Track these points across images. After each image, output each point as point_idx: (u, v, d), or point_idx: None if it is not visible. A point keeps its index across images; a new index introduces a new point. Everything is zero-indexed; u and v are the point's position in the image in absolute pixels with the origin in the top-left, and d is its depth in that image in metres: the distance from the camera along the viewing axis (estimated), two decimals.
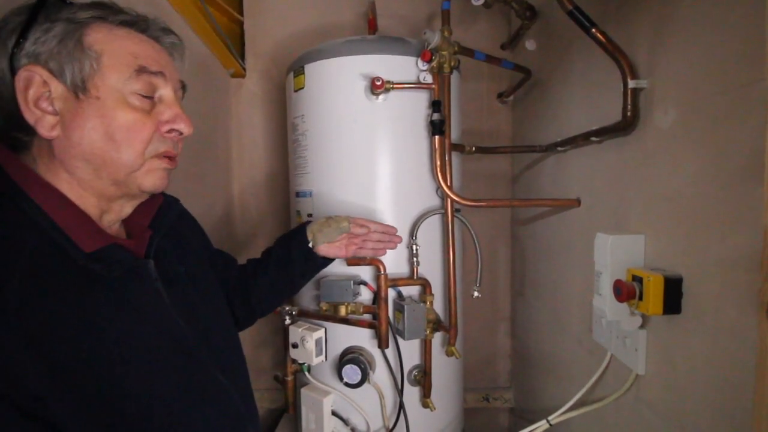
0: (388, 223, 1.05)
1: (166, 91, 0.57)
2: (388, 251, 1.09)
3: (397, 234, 1.03)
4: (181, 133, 0.58)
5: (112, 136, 0.52)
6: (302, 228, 0.95)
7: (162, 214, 0.66)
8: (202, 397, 0.59)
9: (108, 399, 0.49)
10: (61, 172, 0.53)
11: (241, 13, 1.57)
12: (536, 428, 1.04)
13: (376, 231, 0.99)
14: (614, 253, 0.81)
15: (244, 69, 1.60)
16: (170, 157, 0.59)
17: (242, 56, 1.59)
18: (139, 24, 0.55)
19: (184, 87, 0.62)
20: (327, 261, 0.97)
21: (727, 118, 0.62)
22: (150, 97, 0.55)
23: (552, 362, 1.28)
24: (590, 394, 0.98)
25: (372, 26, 1.40)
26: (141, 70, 0.53)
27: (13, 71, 0.49)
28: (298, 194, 1.20)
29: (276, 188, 1.64)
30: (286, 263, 0.93)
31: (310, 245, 0.93)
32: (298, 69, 1.15)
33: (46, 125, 0.50)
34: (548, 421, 1.03)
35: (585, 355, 1.04)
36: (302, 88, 1.14)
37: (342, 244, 0.95)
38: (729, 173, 0.62)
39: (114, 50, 0.52)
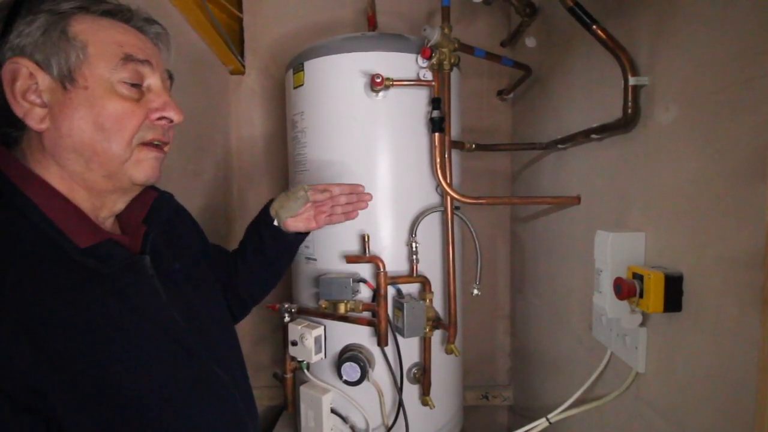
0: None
1: (153, 80, 0.57)
2: (387, 251, 1.09)
3: (366, 192, 0.97)
4: (171, 121, 0.58)
5: (101, 126, 0.52)
6: (265, 208, 0.91)
7: (156, 209, 0.66)
8: (200, 391, 0.59)
9: (105, 393, 0.49)
10: (52, 165, 0.52)
11: (241, 10, 1.57)
12: (535, 426, 1.04)
13: (342, 193, 0.93)
14: (615, 251, 0.80)
15: (244, 66, 1.59)
16: (158, 146, 0.58)
17: (241, 53, 1.59)
18: (122, 14, 0.55)
19: (171, 77, 0.62)
20: (300, 236, 0.93)
21: (728, 114, 0.62)
22: (138, 86, 0.55)
23: (551, 360, 1.28)
24: (590, 392, 0.98)
25: (371, 23, 1.39)
26: (127, 59, 0.53)
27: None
28: None
29: (275, 185, 1.63)
30: (260, 247, 0.90)
31: (275, 223, 0.89)
32: (297, 66, 1.15)
33: (35, 117, 0.50)
34: (548, 419, 1.03)
35: (585, 353, 1.04)
36: (302, 85, 1.14)
37: (309, 215, 0.91)
38: (730, 170, 0.62)
39: (99, 40, 0.52)
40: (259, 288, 0.94)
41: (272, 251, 0.90)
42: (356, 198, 0.96)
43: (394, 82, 1.04)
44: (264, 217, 0.90)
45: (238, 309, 0.91)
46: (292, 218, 0.89)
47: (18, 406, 0.43)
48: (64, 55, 0.50)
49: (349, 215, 0.96)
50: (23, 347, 0.43)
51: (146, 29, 0.58)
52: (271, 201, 0.91)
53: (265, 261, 0.91)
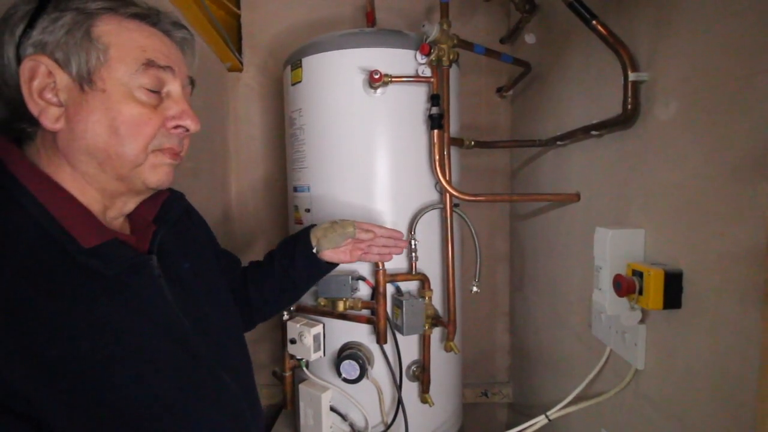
0: (391, 226, 1.02)
1: (173, 87, 0.56)
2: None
3: (403, 239, 0.99)
4: (187, 130, 0.57)
5: (116, 130, 0.51)
6: (306, 232, 0.92)
7: (166, 208, 0.65)
8: (205, 396, 0.58)
9: (105, 399, 0.47)
10: (64, 165, 0.52)
11: (238, 6, 1.56)
12: (535, 423, 1.04)
13: (382, 236, 0.95)
14: (614, 248, 0.80)
15: (242, 63, 1.58)
16: (174, 153, 0.58)
17: (239, 50, 1.58)
18: (150, 17, 0.54)
19: (192, 83, 0.61)
20: (331, 266, 0.94)
21: (729, 110, 0.62)
22: (157, 92, 0.54)
23: (551, 357, 1.28)
24: (589, 389, 0.97)
25: (370, 19, 1.39)
26: (149, 64, 0.52)
27: (20, 60, 0.48)
28: (295, 189, 1.19)
29: (274, 183, 1.63)
30: (290, 268, 0.90)
31: (315, 251, 0.90)
32: (295, 62, 1.14)
33: (50, 117, 0.49)
34: (547, 416, 1.02)
35: (584, 350, 1.04)
36: (300, 81, 1.13)
37: (347, 249, 0.92)
38: (731, 166, 0.61)
39: (122, 43, 0.51)
40: (276, 305, 0.94)
41: (302, 275, 0.91)
42: (393, 243, 0.97)
43: (393, 79, 1.03)
44: (303, 241, 0.91)
45: (245, 321, 0.89)
46: (331, 249, 0.90)
47: (11, 413, 0.41)
48: (85, 55, 0.49)
49: (383, 257, 0.98)
50: (13, 352, 0.42)
51: (172, 33, 0.57)
52: (311, 227, 0.92)
53: (291, 282, 0.91)
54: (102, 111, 0.50)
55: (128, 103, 0.51)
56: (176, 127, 0.56)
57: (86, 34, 0.49)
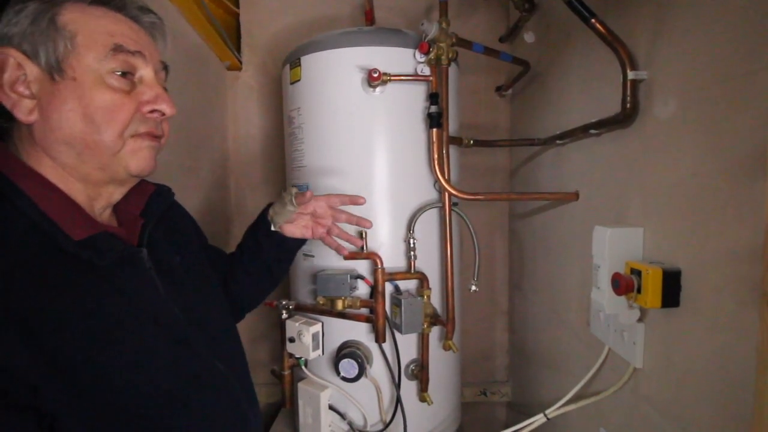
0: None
1: (146, 72, 0.55)
2: (384, 247, 1.09)
3: (367, 220, 0.93)
4: (163, 114, 0.57)
5: (91, 118, 0.51)
6: (264, 211, 0.88)
7: (153, 202, 0.65)
8: (200, 385, 0.59)
9: (103, 388, 0.48)
10: (43, 158, 0.52)
11: (237, 5, 1.56)
12: (533, 422, 1.04)
13: (333, 205, 0.89)
14: (613, 246, 0.80)
15: (240, 61, 1.58)
16: (154, 136, 0.57)
17: (238, 49, 1.58)
18: (114, 2, 0.54)
19: (166, 68, 0.61)
20: (299, 242, 0.89)
21: (728, 108, 0.62)
22: (129, 78, 0.54)
23: (549, 356, 1.28)
24: (588, 388, 0.98)
25: (369, 18, 1.39)
26: (117, 50, 0.52)
27: None
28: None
29: (272, 182, 1.63)
30: (256, 251, 0.87)
31: (273, 228, 0.86)
32: (294, 61, 1.14)
33: (23, 109, 0.49)
34: (545, 415, 1.03)
35: (583, 349, 1.04)
36: (298, 80, 1.13)
37: (307, 223, 0.87)
38: (730, 165, 0.61)
39: (89, 30, 0.51)
40: (255, 293, 0.92)
41: (270, 255, 0.88)
42: (356, 221, 0.92)
43: (392, 77, 1.03)
44: (261, 221, 0.88)
45: (233, 313, 0.89)
46: (288, 224, 0.86)
47: (12, 404, 0.42)
48: (52, 44, 0.49)
49: (340, 249, 0.95)
50: (15, 342, 0.42)
51: (140, 18, 0.56)
52: (269, 205, 0.89)
53: (262, 265, 0.89)
54: (75, 99, 0.50)
55: (100, 89, 0.51)
56: (152, 111, 0.56)
57: (51, 22, 0.49)
